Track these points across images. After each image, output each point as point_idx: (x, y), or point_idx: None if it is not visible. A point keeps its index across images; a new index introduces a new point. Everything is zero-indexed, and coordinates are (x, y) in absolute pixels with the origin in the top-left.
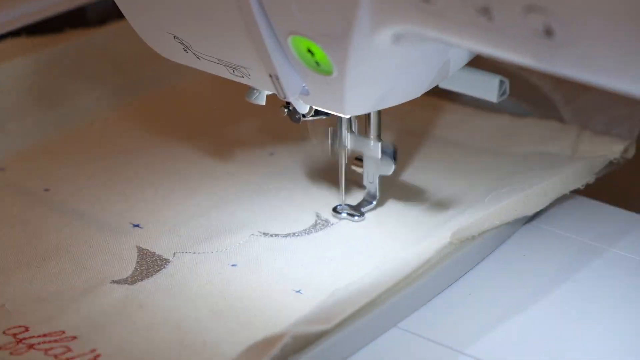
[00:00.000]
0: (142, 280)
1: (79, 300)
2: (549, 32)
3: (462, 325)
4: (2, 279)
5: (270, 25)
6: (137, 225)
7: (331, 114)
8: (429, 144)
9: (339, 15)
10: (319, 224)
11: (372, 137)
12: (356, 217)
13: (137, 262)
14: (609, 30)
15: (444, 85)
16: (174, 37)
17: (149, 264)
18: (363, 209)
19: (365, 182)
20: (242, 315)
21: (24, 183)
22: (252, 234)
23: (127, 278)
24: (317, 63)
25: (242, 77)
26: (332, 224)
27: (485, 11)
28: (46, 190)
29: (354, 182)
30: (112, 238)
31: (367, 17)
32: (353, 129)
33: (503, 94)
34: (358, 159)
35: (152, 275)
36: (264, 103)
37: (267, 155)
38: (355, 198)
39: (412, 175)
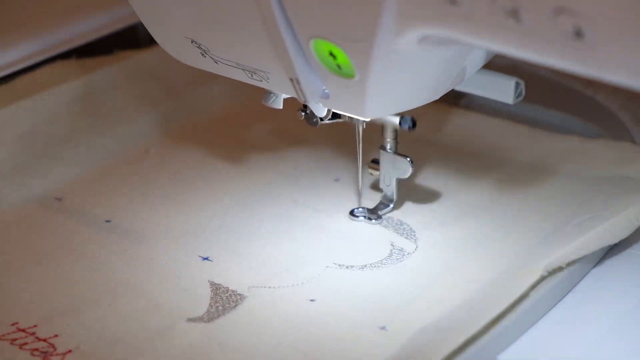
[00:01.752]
0: (218, 317)
1: (155, 340)
2: (579, 34)
3: (561, 353)
4: (72, 318)
5: (291, 28)
6: (207, 259)
7: (348, 117)
8: (488, 162)
9: (363, 18)
10: (394, 254)
11: (388, 139)
12: (373, 220)
13: (212, 298)
14: (639, 30)
15: (460, 87)
16: (192, 41)
17: (224, 300)
18: (380, 212)
19: (382, 185)
20: (327, 354)
21: (83, 214)
22: (327, 266)
23: (202, 316)
24: (338, 66)
25: (261, 80)
26: (408, 253)
27: (514, 13)
28: (108, 221)
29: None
30: (183, 273)
31: (392, 19)
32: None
33: (519, 95)
34: (374, 162)
35: (228, 312)
36: (281, 107)
37: (333, 181)
38: (373, 201)
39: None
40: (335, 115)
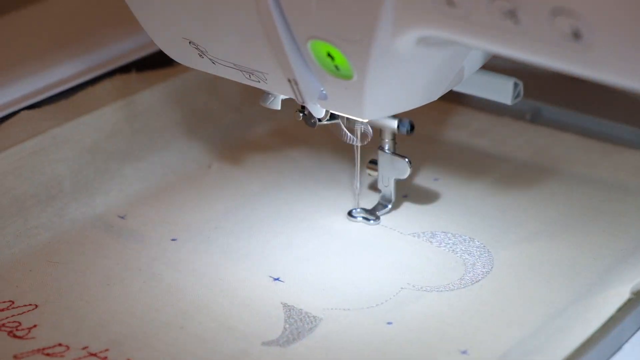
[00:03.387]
0: (294, 341)
1: None
2: (576, 35)
3: None
4: (144, 342)
5: (289, 29)
6: (278, 279)
7: (346, 118)
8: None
9: (361, 19)
10: (469, 274)
11: (386, 140)
12: (372, 221)
13: (286, 321)
14: (637, 32)
15: (458, 88)
16: (190, 42)
17: (299, 323)
18: (378, 213)
19: (380, 186)
20: None
21: (148, 232)
22: (403, 288)
23: (277, 339)
24: (336, 67)
25: (259, 81)
26: (485, 275)
27: (512, 14)
28: (173, 240)
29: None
30: (254, 294)
31: (390, 21)
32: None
33: (517, 96)
34: (373, 162)
35: (304, 336)
36: (279, 108)
37: (400, 197)
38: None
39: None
40: (333, 116)
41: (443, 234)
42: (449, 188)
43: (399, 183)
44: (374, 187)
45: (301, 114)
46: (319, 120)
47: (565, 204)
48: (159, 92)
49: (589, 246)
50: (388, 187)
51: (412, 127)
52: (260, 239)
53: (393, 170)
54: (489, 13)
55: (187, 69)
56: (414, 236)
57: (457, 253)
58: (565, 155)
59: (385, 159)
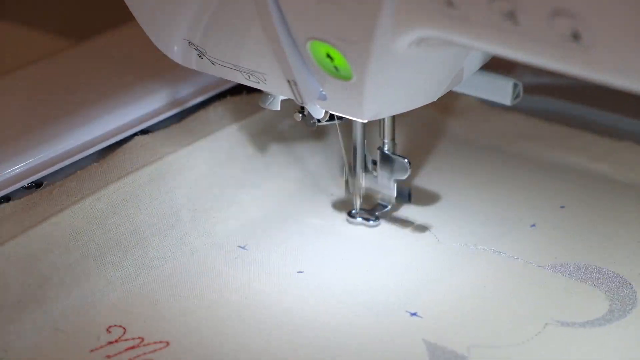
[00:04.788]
0: None
1: None
2: (576, 36)
3: None
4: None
5: (289, 30)
6: (415, 314)
7: (345, 119)
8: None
9: (360, 20)
10: (616, 310)
11: (386, 140)
12: (371, 222)
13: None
14: (637, 33)
15: (458, 89)
16: (189, 43)
17: (436, 359)
18: (378, 213)
19: (380, 186)
20: None
21: (272, 263)
22: (548, 323)
23: None
24: (336, 68)
25: (258, 82)
26: (631, 309)
27: (511, 15)
28: (300, 272)
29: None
30: (393, 329)
31: (389, 21)
32: (368, 166)
33: (517, 97)
34: (373, 163)
35: None
36: (278, 108)
37: (528, 226)
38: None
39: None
40: (332, 117)
41: (576, 263)
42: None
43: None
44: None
45: (300, 115)
46: (318, 121)
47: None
48: (271, 114)
49: None
50: (388, 188)
51: (409, 195)
52: (395, 270)
53: (393, 171)
54: (489, 14)
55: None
56: (546, 269)
57: (595, 285)
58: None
59: (385, 159)
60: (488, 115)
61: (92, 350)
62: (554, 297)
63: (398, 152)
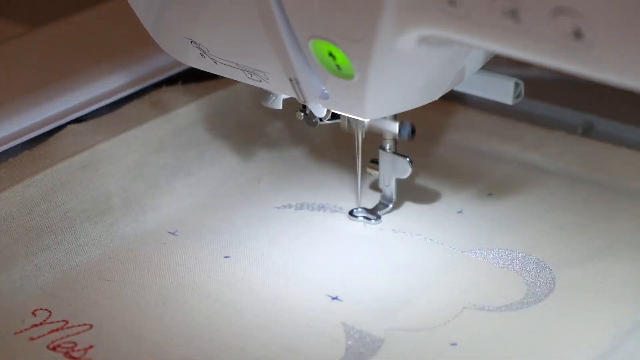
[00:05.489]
0: None
1: None
2: (578, 34)
3: None
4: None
5: (291, 29)
6: (336, 298)
7: (347, 121)
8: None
9: (363, 18)
10: (531, 293)
11: (387, 139)
12: (372, 221)
13: (348, 343)
14: (639, 31)
15: (459, 88)
16: (191, 41)
17: (359, 345)
18: (379, 212)
19: (381, 185)
20: None
21: (200, 249)
22: (465, 307)
23: None
24: (338, 67)
25: (260, 81)
26: (547, 294)
27: (513, 14)
28: (227, 257)
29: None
30: (314, 313)
31: (391, 20)
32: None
33: (518, 96)
34: (374, 162)
35: (367, 358)
36: (280, 107)
37: (456, 213)
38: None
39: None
40: (334, 116)
41: (499, 250)
42: (501, 202)
43: (399, 182)
44: (375, 186)
45: (302, 114)
46: (320, 119)
47: (626, 220)
48: (205, 104)
49: None
50: (389, 187)
51: (413, 131)
52: (318, 255)
53: (394, 169)
54: (490, 12)
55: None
56: (471, 253)
57: (515, 270)
58: (620, 169)
59: (386, 158)
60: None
61: (16, 333)
62: (474, 282)
63: (400, 151)
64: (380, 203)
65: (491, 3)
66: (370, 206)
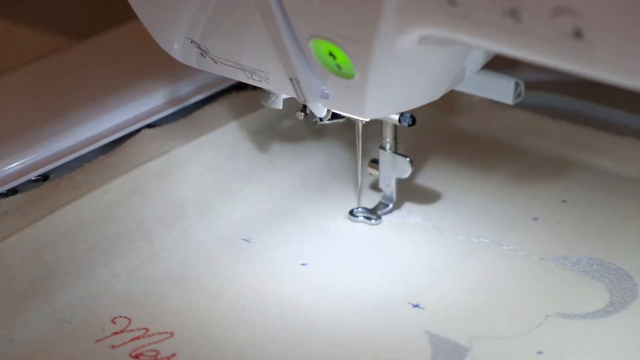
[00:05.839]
0: None
1: None
2: (578, 34)
3: None
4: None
5: (291, 28)
6: (417, 306)
7: (347, 117)
8: None
9: (363, 18)
10: (613, 303)
11: (387, 139)
12: (373, 221)
13: (432, 351)
14: (639, 31)
15: (460, 87)
16: (192, 41)
17: (446, 354)
18: (380, 212)
19: (381, 185)
20: None
21: (275, 256)
22: (548, 315)
23: None
24: (338, 66)
25: (260, 81)
26: (630, 302)
27: (513, 13)
28: (303, 265)
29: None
30: (395, 321)
31: (392, 20)
32: None
33: (518, 96)
34: (374, 162)
35: None
36: (280, 107)
37: (531, 220)
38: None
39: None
40: (335, 116)
41: (578, 258)
42: (575, 208)
43: (399, 182)
44: (375, 186)
45: (302, 114)
46: (321, 119)
47: None
48: (275, 110)
49: None
50: (389, 187)
51: (413, 121)
52: (398, 261)
53: (394, 169)
54: (491, 12)
55: None
56: (549, 260)
57: (596, 278)
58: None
59: (386, 158)
60: (491, 112)
61: (97, 341)
62: (555, 289)
63: (400, 150)
64: (380, 203)
65: (491, 3)
66: (370, 206)
